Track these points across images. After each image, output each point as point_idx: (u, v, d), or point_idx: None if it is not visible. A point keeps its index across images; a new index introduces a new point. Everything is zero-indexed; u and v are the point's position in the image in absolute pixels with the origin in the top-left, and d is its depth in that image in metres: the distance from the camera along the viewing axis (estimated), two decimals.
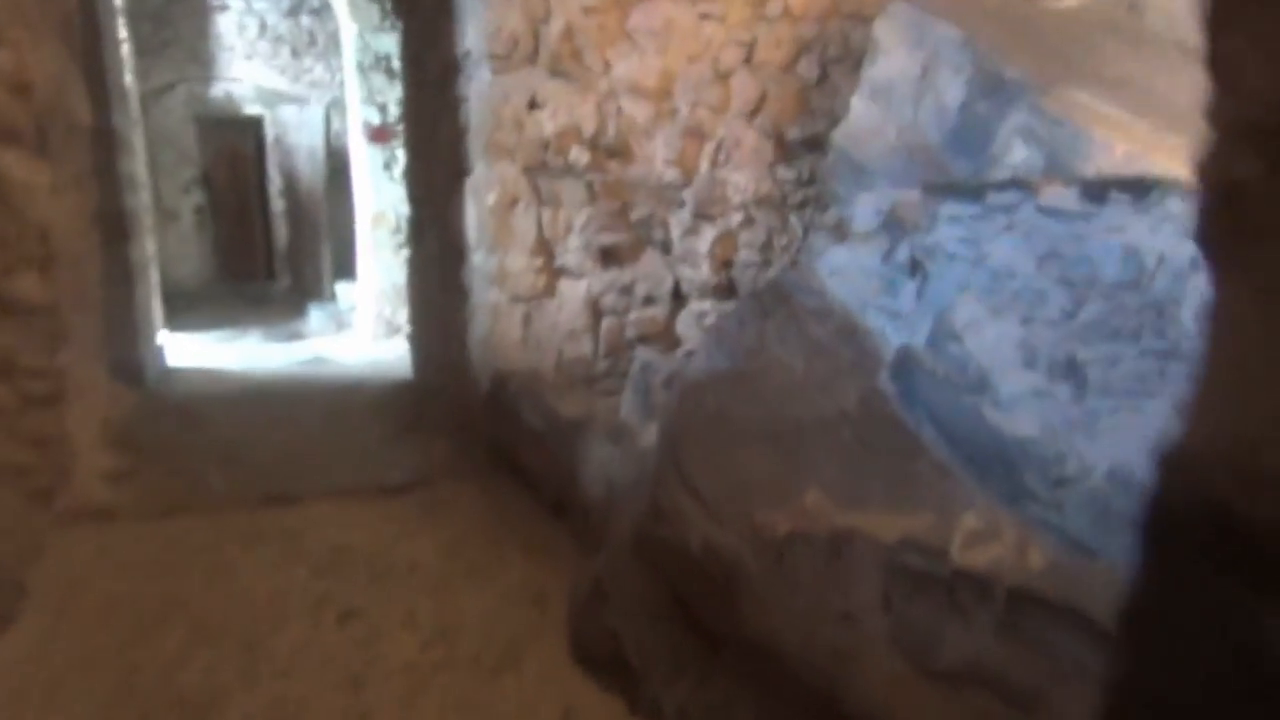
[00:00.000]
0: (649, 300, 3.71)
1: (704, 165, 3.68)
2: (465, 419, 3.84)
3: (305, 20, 10.03)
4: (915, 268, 2.92)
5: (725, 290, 3.78)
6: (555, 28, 3.41)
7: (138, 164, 5.99)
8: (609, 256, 3.63)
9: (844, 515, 1.94)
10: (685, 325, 3.77)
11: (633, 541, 2.46)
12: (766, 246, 3.80)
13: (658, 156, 3.62)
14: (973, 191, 2.70)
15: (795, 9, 3.66)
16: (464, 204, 3.80)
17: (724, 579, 2.14)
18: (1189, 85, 3.34)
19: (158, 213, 9.60)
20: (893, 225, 3.19)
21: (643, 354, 3.75)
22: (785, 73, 3.72)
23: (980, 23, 3.39)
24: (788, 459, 2.56)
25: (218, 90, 9.93)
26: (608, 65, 3.49)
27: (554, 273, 3.58)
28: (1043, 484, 2.45)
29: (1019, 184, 2.55)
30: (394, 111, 7.79)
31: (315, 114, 9.83)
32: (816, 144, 3.81)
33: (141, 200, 6.09)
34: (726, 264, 3.76)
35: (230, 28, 9.88)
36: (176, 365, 6.72)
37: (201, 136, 10.17)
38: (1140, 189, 2.20)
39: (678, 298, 3.75)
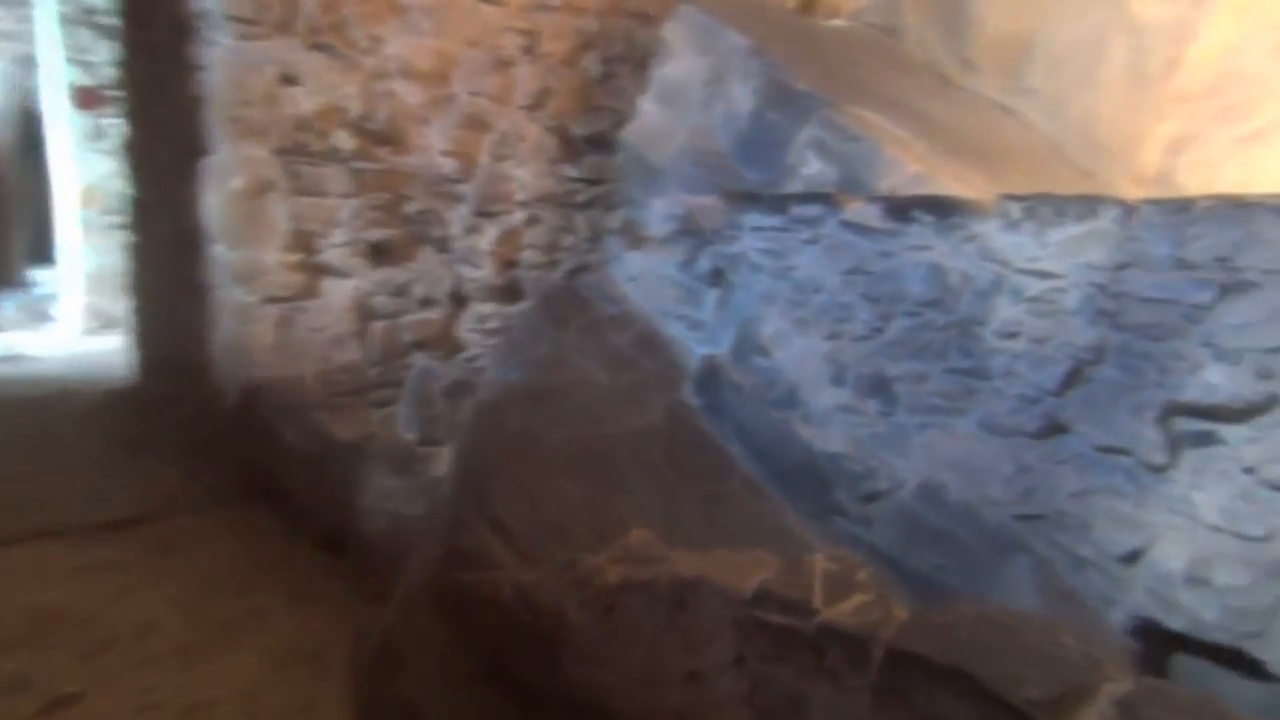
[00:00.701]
0: (426, 302, 3.29)
1: (485, 158, 3.31)
2: (207, 436, 3.20)
3: None
4: (717, 277, 2.78)
5: (510, 292, 3.45)
6: None
7: None
8: (380, 254, 3.16)
9: (683, 559, 1.71)
10: (467, 329, 3.39)
11: (429, 590, 2.09)
12: (552, 247, 3.51)
13: (434, 146, 3.20)
14: (775, 203, 2.59)
15: (577, 1, 3.39)
16: (202, 188, 3.15)
17: (544, 632, 1.83)
18: (950, 110, 3.45)
19: None
20: (690, 232, 3.02)
21: (421, 361, 3.34)
22: (569, 67, 3.44)
23: (767, 33, 3.32)
24: (602, 484, 2.31)
25: None
26: (377, 41, 3.02)
27: (315, 270, 3.05)
28: (852, 499, 2.38)
29: (822, 198, 2.46)
30: (106, 73, 6.58)
31: (2, 72, 8.11)
32: (602, 143, 3.58)
33: None
34: (510, 264, 3.43)
35: None
36: None
37: None
38: (942, 210, 2.17)
39: (458, 300, 3.36)
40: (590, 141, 3.53)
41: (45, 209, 7.25)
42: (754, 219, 2.63)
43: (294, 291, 3.01)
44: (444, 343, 3.34)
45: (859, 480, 2.30)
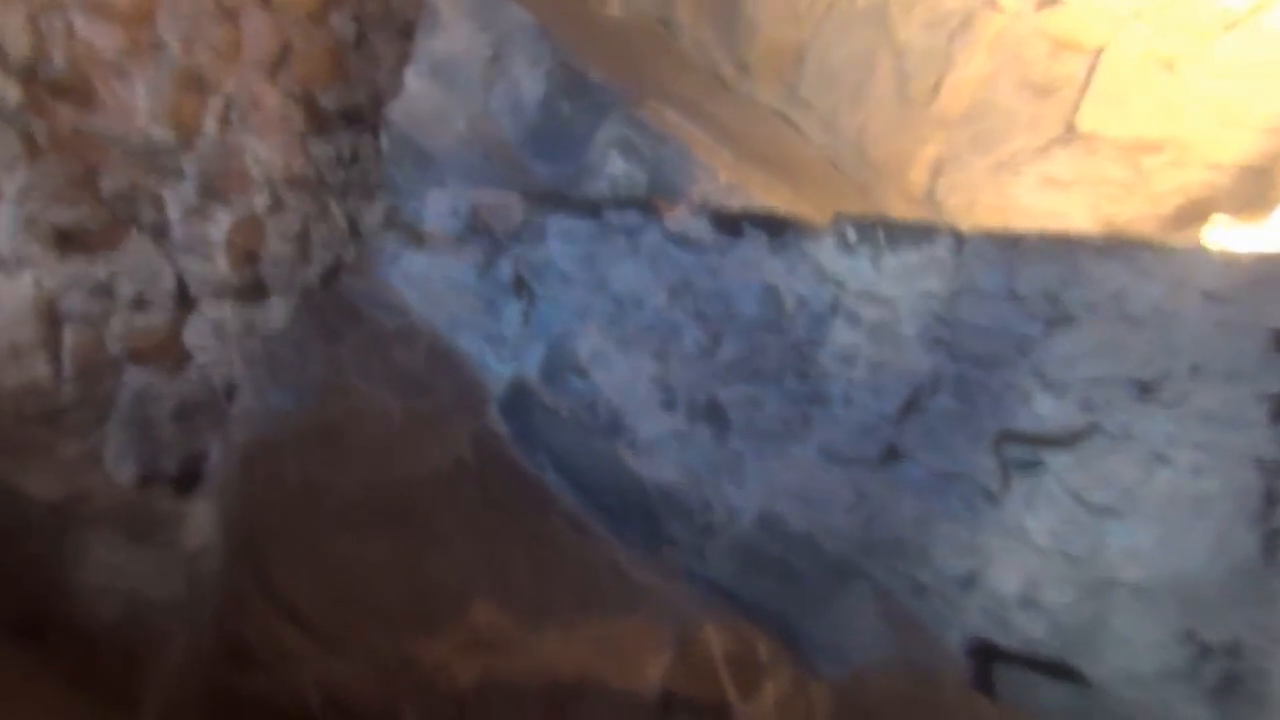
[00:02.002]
0: (139, 303, 2.55)
1: (210, 126, 2.63)
2: None
3: None
4: (520, 286, 2.42)
5: (252, 291, 2.80)
6: None
7: None
8: (70, 241, 2.38)
9: (548, 644, 1.40)
10: (198, 335, 2.69)
11: (202, 699, 1.56)
12: (303, 237, 2.90)
13: (139, 106, 2.47)
14: (586, 207, 2.30)
15: None
16: None
17: None
18: (736, 115, 3.36)
19: None
20: (480, 231, 2.63)
21: (137, 377, 2.60)
22: (314, 25, 2.84)
23: (549, 13, 2.97)
24: (411, 539, 1.89)
25: None
26: None
27: None
28: (687, 531, 2.19)
29: (640, 205, 2.22)
30: None
31: None
32: (357, 117, 3.02)
33: None
34: (252, 257, 2.78)
35: None
36: None
37: None
38: (774, 227, 2.04)
39: (184, 300, 2.65)
40: (343, 116, 2.96)
41: None
42: (561, 223, 2.32)
43: None
44: (167, 353, 2.62)
45: (693, 512, 2.12)
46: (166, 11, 2.44)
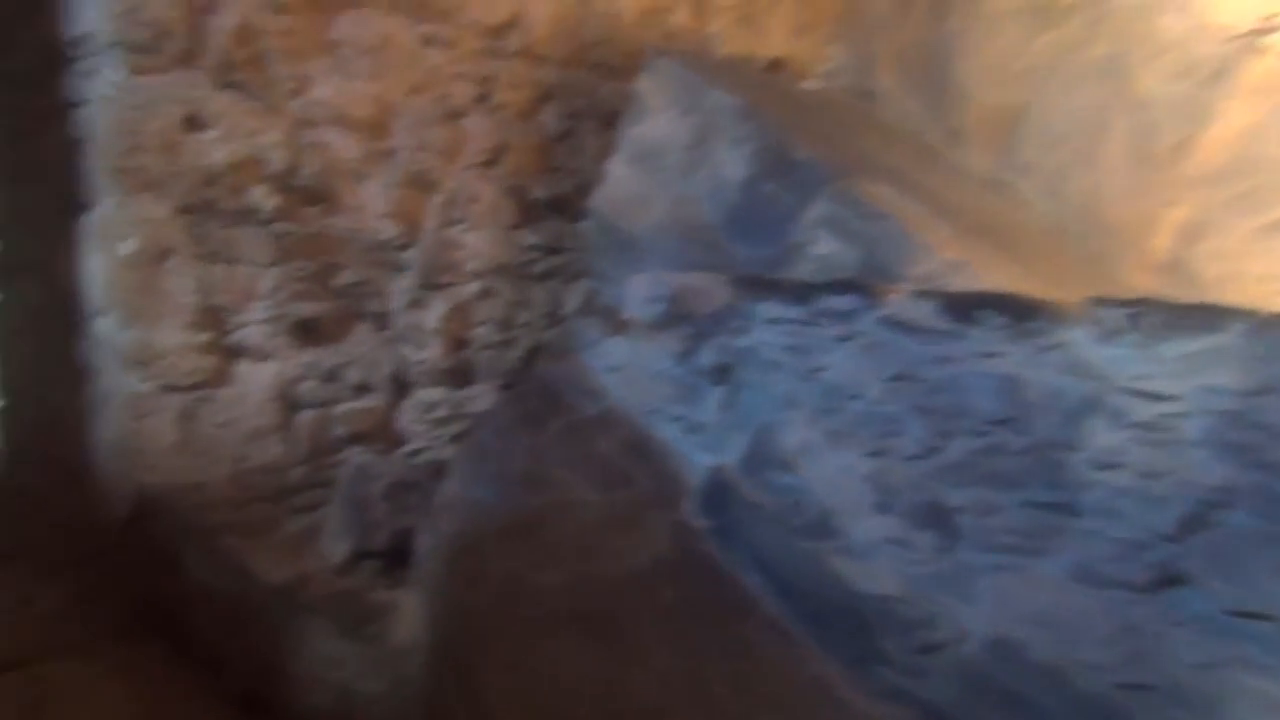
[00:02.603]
0: (363, 388, 2.69)
1: (432, 222, 2.76)
2: (89, 552, 2.49)
3: None
4: (722, 373, 2.32)
5: (460, 375, 2.89)
6: (227, 23, 2.29)
7: None
8: (308, 332, 2.55)
9: None
10: (410, 419, 2.80)
11: None
12: (508, 323, 2.98)
13: (371, 206, 2.63)
14: (796, 291, 2.16)
15: (536, 47, 2.91)
16: (82, 250, 2.47)
17: None
18: (948, 184, 3.13)
19: None
20: (681, 317, 2.56)
21: (356, 457, 2.72)
22: (526, 121, 2.95)
23: (751, 93, 2.93)
24: (610, 647, 1.78)
25: None
26: (304, 83, 2.44)
27: (228, 353, 2.42)
28: (903, 649, 1.94)
29: (856, 288, 2.05)
30: None
31: None
32: (563, 207, 3.09)
33: None
34: (460, 343, 2.87)
35: None
36: None
37: None
38: (1015, 311, 1.79)
39: (399, 385, 2.77)
40: (550, 205, 3.03)
41: None
42: (769, 308, 2.19)
43: (201, 378, 2.36)
44: (383, 435, 2.74)
45: (912, 628, 1.86)
46: (399, 119, 2.61)
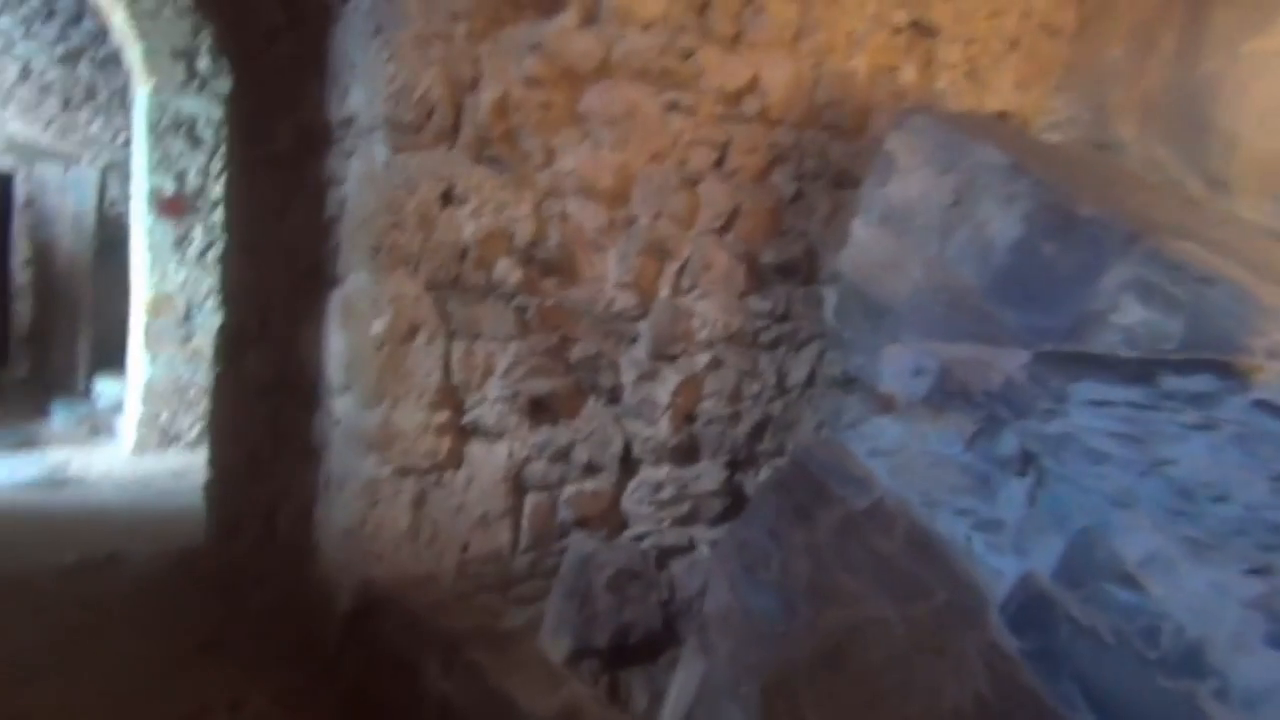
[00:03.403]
0: (590, 468, 2.51)
1: (665, 290, 2.60)
2: (303, 646, 2.41)
3: (84, 70, 7.98)
4: (1025, 462, 2.00)
5: (687, 452, 2.67)
6: (487, 98, 2.23)
7: None
8: (540, 410, 2.41)
9: None
10: (635, 500, 2.60)
11: None
12: (736, 396, 2.75)
13: (608, 277, 2.50)
14: (1126, 368, 1.83)
15: (773, 110, 2.73)
16: (325, 325, 2.46)
17: None
18: (1242, 238, 2.69)
19: None
20: (955, 395, 2.26)
21: (581, 543, 2.54)
22: (758, 184, 2.76)
23: (1014, 147, 2.64)
24: None
25: None
26: (551, 155, 2.35)
27: (462, 433, 2.31)
28: None
29: (1216, 366, 1.69)
30: (194, 181, 6.13)
31: (87, 176, 7.69)
32: (791, 271, 2.86)
33: None
34: (689, 418, 2.67)
35: None
36: None
37: None
38: None
39: (626, 463, 2.59)
40: (779, 270, 2.82)
41: (119, 317, 6.72)
42: (1090, 389, 1.86)
43: (437, 461, 2.26)
44: (607, 518, 2.55)
45: None
46: (640, 187, 2.48)
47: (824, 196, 2.89)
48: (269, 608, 2.59)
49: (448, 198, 2.20)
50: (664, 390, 2.60)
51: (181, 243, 6.18)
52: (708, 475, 2.75)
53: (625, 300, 2.51)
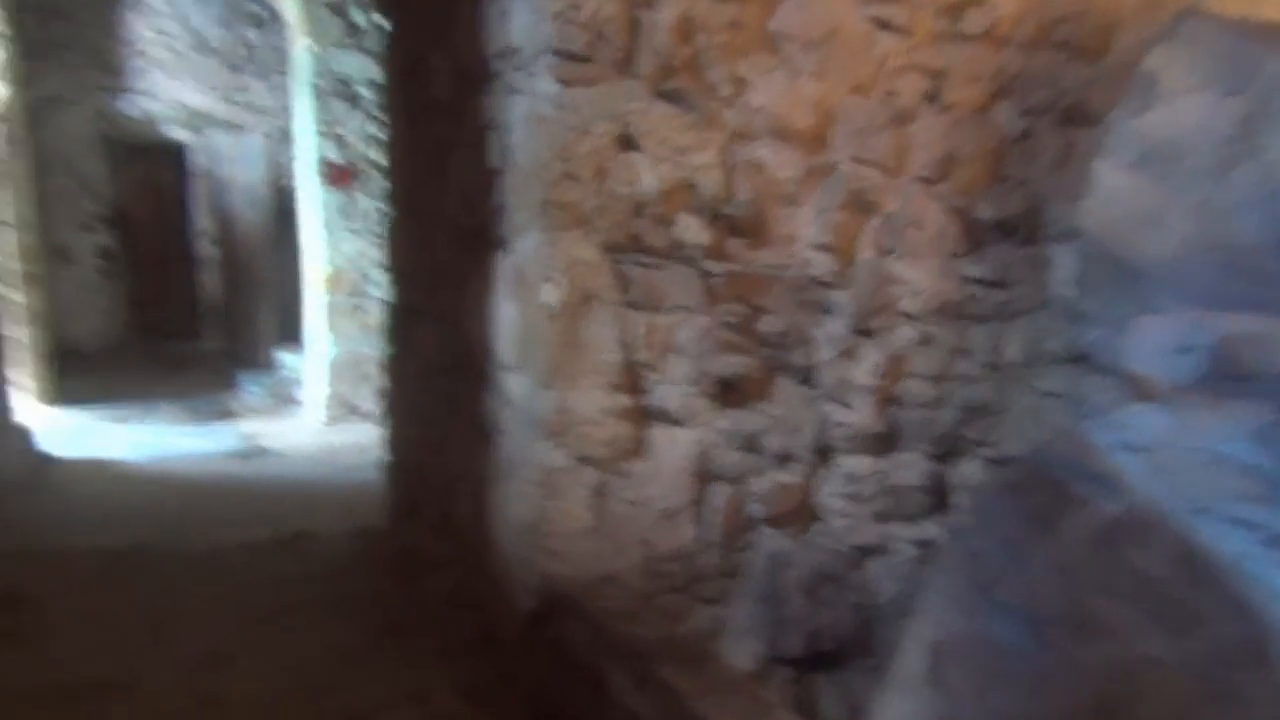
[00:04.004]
0: (784, 458, 2.20)
1: (866, 252, 2.23)
2: (489, 636, 2.25)
3: (244, 32, 8.17)
4: None
5: (885, 441, 2.31)
6: (666, 17, 1.90)
7: None
8: (729, 391, 2.11)
9: None
10: (830, 493, 2.28)
11: None
12: (943, 376, 2.36)
13: (802, 236, 2.15)
14: None
15: (1001, 27, 2.26)
16: (493, 295, 2.26)
17: None
18: None
19: (45, 253, 7.54)
20: (1235, 378, 1.81)
21: (771, 541, 2.25)
22: (978, 122, 2.31)
23: None
24: None
25: (130, 107, 7.95)
26: (740, 87, 2.01)
27: (644, 418, 2.05)
28: None
29: None
30: (355, 146, 6.16)
31: (255, 144, 7.99)
32: (1011, 228, 2.41)
33: None
34: (890, 400, 2.30)
35: (146, 30, 7.89)
36: (52, 456, 4.87)
37: (112, 163, 8.17)
38: None
39: (821, 452, 2.26)
40: (997, 227, 2.38)
41: (296, 287, 6.92)
42: None
43: (619, 449, 2.02)
44: (800, 514, 2.24)
45: None
46: (841, 126, 2.10)
47: (1053, 136, 2.40)
48: (449, 594, 2.46)
49: (624, 142, 1.91)
50: (864, 370, 2.24)
51: (349, 212, 6.23)
52: (909, 467, 2.38)
53: (822, 264, 2.15)
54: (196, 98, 8.23)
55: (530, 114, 1.95)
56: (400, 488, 3.19)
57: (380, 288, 6.31)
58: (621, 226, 1.94)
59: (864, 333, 2.24)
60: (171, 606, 2.56)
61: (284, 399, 6.86)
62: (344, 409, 6.10)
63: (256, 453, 5.33)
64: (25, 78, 6.94)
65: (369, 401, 6.10)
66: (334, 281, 6.10)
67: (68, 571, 2.78)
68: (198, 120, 8.23)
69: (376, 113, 6.12)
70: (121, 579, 2.75)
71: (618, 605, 1.91)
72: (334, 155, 6.08)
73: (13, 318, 5.70)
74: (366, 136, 6.21)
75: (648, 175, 1.94)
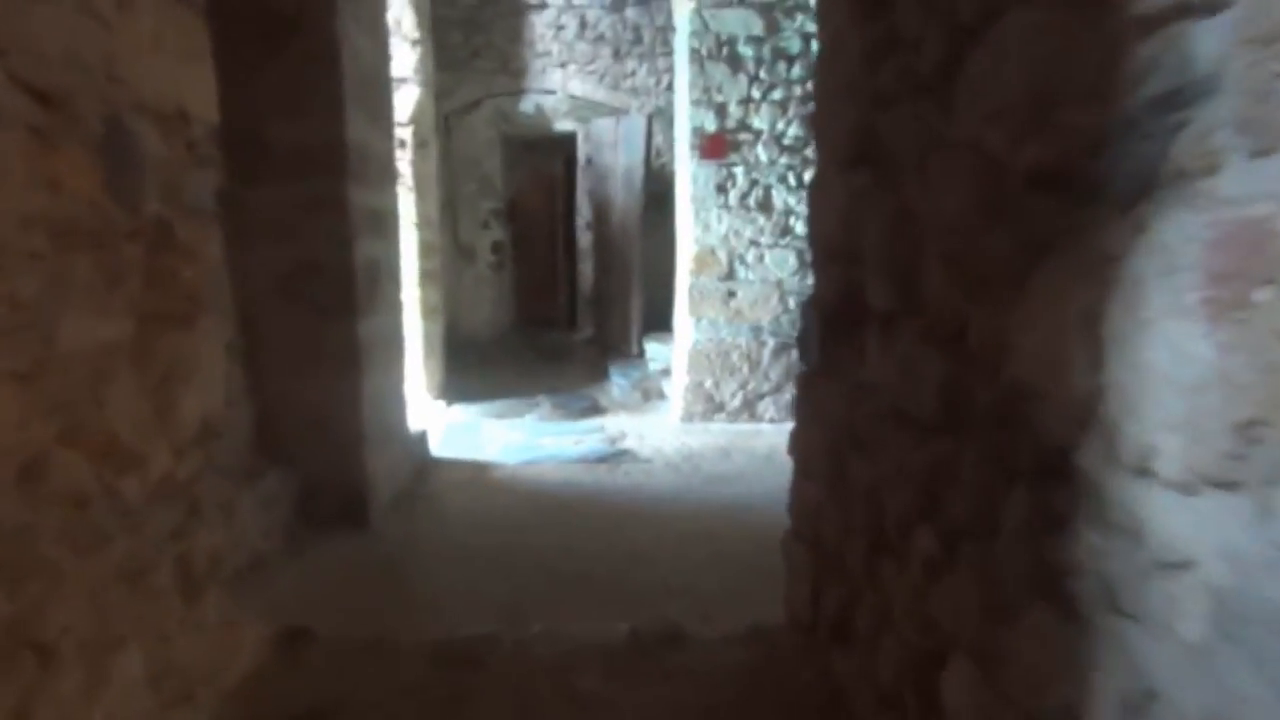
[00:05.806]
0: None
1: None
2: None
3: (630, 13, 7.94)
4: None
5: None
6: None
7: (384, 197, 3.98)
8: None
9: None
10: None
11: None
12: None
13: None
14: None
15: None
16: (1115, 311, 1.08)
17: None
18: None
19: (455, 252, 7.92)
20: None
21: None
22: None
23: None
24: None
25: (527, 104, 8.06)
26: None
27: None
28: None
29: None
30: (735, 113, 5.33)
31: (635, 126, 7.59)
32: None
33: (394, 247, 4.09)
34: None
35: (546, 29, 8.04)
36: (439, 458, 4.79)
37: (508, 161, 8.37)
38: None
39: None
40: None
41: (670, 273, 6.37)
42: None
43: None
44: None
45: None
46: None
47: None
48: None
49: None
50: None
51: (723, 188, 5.47)
52: None
53: None
54: (584, 86, 8.23)
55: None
56: (805, 581, 2.13)
57: (754, 269, 5.45)
58: None
59: None
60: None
61: (651, 392, 6.40)
62: (707, 403, 5.44)
63: (620, 455, 4.86)
64: (443, 88, 7.25)
65: (733, 396, 5.43)
66: (700, 262, 5.44)
67: (393, 670, 2.15)
68: (584, 109, 8.15)
69: (762, 74, 5.23)
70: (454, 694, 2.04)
71: None
72: (710, 125, 5.33)
73: (416, 315, 5.80)
74: (746, 101, 5.36)
75: None
